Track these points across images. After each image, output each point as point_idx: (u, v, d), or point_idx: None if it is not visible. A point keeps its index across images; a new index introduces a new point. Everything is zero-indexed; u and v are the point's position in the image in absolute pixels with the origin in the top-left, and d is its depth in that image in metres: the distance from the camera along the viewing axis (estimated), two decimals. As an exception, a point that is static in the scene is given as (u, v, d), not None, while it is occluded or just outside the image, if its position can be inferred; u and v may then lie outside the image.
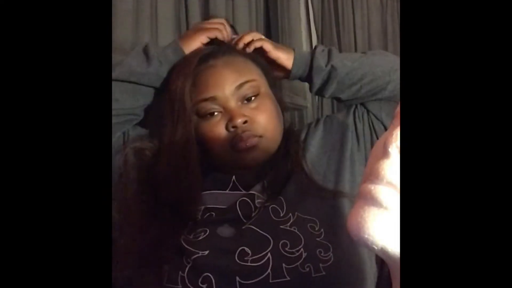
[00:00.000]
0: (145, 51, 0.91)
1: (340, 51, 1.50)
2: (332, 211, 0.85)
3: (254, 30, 1.16)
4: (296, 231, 0.81)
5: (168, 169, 0.86)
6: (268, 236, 0.81)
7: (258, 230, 0.82)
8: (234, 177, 0.89)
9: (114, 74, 0.87)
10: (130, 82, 0.89)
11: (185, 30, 1.20)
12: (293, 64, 0.93)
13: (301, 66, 0.93)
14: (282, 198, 0.85)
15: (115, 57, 1.04)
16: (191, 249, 0.80)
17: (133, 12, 1.11)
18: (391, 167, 0.35)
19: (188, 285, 0.78)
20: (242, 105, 0.87)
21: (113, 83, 0.86)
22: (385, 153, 0.36)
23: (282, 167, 0.89)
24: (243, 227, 0.82)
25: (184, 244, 0.81)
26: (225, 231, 0.83)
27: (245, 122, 0.85)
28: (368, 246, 0.36)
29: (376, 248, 0.35)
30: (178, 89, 0.87)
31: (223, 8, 1.25)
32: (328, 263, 0.79)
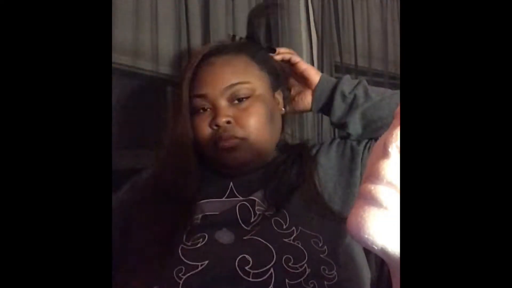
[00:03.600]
0: None
1: (340, 51, 1.51)
2: (335, 230, 0.83)
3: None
4: (299, 245, 0.79)
5: (170, 170, 0.88)
6: (271, 247, 0.79)
7: (260, 239, 0.80)
8: (231, 183, 0.88)
9: None
10: None
11: (185, 30, 1.20)
12: (319, 81, 0.94)
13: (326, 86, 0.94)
14: (285, 211, 0.83)
15: (115, 57, 1.04)
16: (189, 262, 0.77)
17: (133, 12, 1.11)
18: (391, 167, 0.35)
19: None
20: (231, 105, 0.87)
21: None
22: (385, 153, 0.36)
23: (285, 178, 0.88)
24: (245, 238, 0.80)
25: (182, 257, 0.78)
26: (224, 236, 0.82)
27: (228, 122, 0.86)
28: (368, 246, 0.36)
29: (376, 248, 0.35)
30: (180, 84, 0.88)
31: (223, 8, 1.25)
32: (333, 281, 0.77)
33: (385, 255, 0.36)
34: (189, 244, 0.80)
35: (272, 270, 0.76)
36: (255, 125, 0.87)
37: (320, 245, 0.81)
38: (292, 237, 0.80)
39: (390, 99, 0.91)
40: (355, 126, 0.92)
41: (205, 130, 0.87)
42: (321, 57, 1.45)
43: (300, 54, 1.45)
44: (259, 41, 0.97)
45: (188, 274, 0.76)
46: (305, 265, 0.77)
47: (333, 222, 0.84)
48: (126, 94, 1.14)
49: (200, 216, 0.84)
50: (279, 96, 0.95)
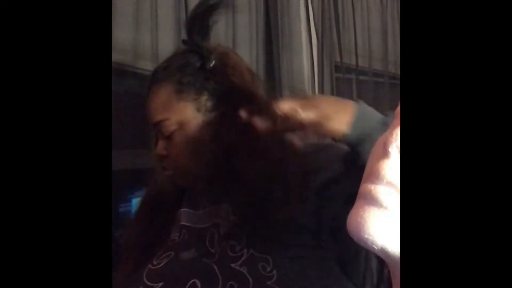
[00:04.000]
0: None
1: (340, 51, 1.51)
2: (288, 252, 0.77)
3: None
4: (245, 271, 0.75)
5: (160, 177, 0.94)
6: (218, 273, 0.77)
7: (211, 263, 0.79)
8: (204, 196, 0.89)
9: None
10: None
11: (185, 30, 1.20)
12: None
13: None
14: (242, 232, 0.79)
15: (115, 57, 1.04)
16: (148, 283, 0.80)
17: (133, 12, 1.11)
18: (391, 167, 0.35)
19: None
20: (164, 138, 0.88)
21: None
22: (385, 153, 0.36)
23: (259, 195, 0.82)
24: (200, 261, 0.80)
25: (144, 276, 0.81)
26: (187, 256, 0.81)
27: (164, 155, 0.88)
28: (368, 246, 0.36)
29: (376, 248, 0.35)
30: None
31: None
32: None
33: (385, 255, 0.36)
34: (155, 263, 0.82)
35: None
36: (181, 158, 0.87)
37: (267, 270, 0.75)
38: (240, 261, 0.76)
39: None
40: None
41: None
42: (321, 57, 1.45)
43: (300, 54, 1.46)
44: (199, 52, 0.88)
45: None
46: None
47: (289, 244, 0.78)
48: (126, 94, 1.14)
49: (178, 234, 0.86)
50: None
